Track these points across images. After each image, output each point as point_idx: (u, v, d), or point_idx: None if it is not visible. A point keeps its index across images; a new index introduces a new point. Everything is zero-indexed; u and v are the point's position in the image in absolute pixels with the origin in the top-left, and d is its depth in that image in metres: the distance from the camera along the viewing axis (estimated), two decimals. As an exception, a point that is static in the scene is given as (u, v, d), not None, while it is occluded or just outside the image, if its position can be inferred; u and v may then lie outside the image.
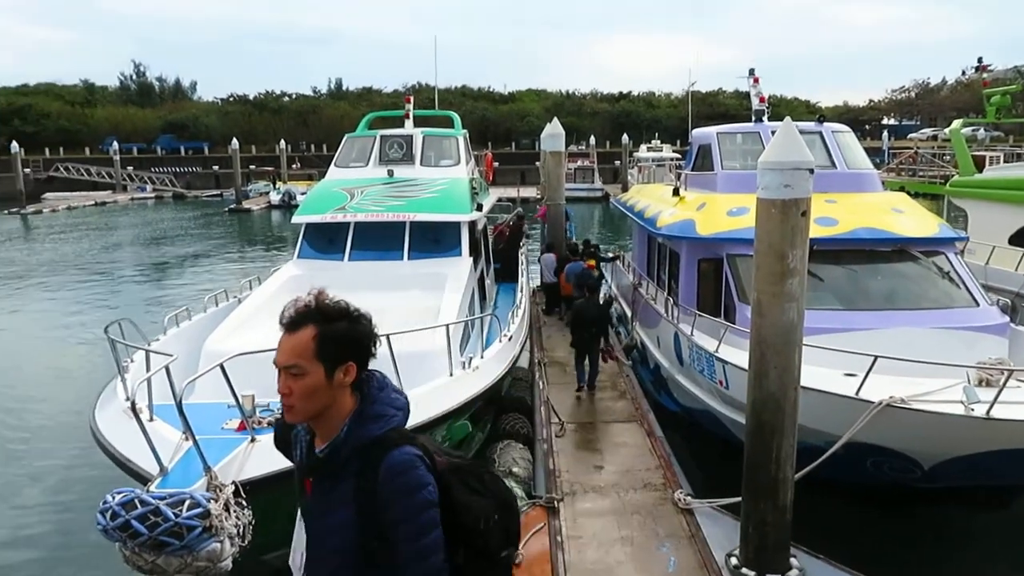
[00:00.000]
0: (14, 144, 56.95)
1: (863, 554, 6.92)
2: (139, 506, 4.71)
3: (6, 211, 50.92)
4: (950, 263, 9.86)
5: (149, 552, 4.75)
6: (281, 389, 2.39)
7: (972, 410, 6.35)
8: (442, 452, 2.59)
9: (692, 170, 13.52)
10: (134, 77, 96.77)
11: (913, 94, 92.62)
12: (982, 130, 42.42)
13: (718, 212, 10.78)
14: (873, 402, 6.64)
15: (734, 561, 6.65)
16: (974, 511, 8.04)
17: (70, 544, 8.50)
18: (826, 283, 9.36)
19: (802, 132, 6.49)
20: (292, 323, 2.40)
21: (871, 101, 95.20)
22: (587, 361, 11.62)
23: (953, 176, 20.63)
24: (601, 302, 13.81)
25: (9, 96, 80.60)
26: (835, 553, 6.82)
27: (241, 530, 4.77)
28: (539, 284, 19.01)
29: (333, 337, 2.41)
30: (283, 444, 2.78)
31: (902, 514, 7.93)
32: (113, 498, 4.83)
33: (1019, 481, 7.41)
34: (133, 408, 5.41)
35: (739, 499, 6.74)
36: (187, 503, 4.74)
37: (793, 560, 6.57)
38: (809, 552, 6.79)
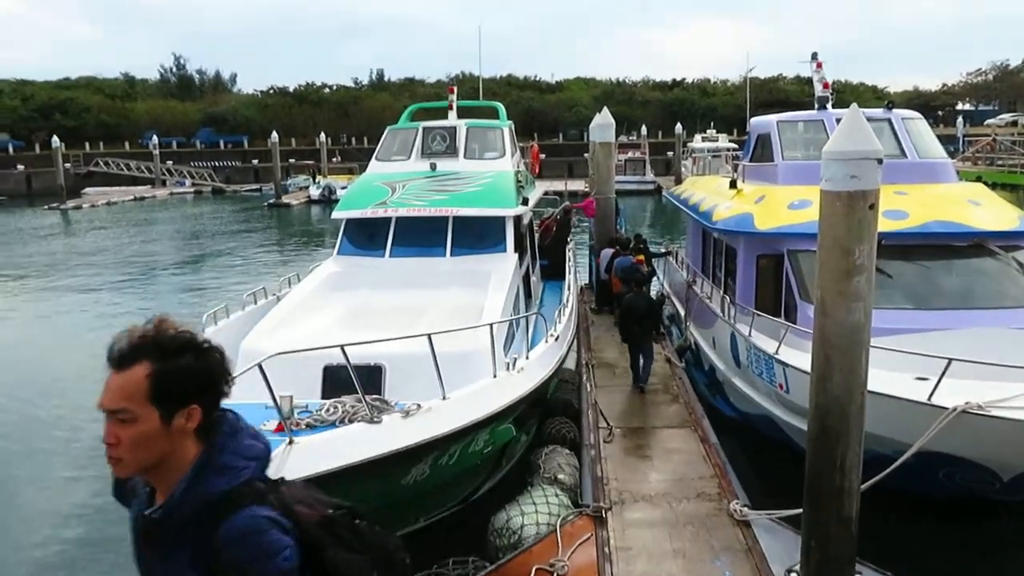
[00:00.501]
0: (55, 139, 58.86)
1: (934, 571, 6.75)
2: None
3: (46, 206, 52.60)
4: (1032, 259, 9.54)
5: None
6: (106, 438, 2.07)
7: (1057, 418, 6.14)
8: (316, 502, 2.27)
9: (750, 161, 13.35)
10: (174, 70, 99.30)
11: (991, 77, 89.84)
12: (1067, 115, 40.97)
13: (778, 205, 10.63)
14: (947, 408, 6.45)
15: (795, 577, 6.54)
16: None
17: (100, 546, 8.71)
18: (895, 280, 9.15)
19: (869, 120, 6.34)
20: (122, 359, 2.09)
21: (944, 85, 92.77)
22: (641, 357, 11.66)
23: (1035, 165, 19.95)
24: (651, 297, 13.74)
25: (50, 90, 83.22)
26: (903, 570, 6.65)
27: (279, 535, 4.81)
28: (587, 281, 18.94)
29: (172, 375, 2.08)
30: (120, 492, 2.39)
31: (977, 528, 7.71)
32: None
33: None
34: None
35: (800, 511, 6.62)
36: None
37: (858, 576, 6.43)
38: (876, 569, 6.64)
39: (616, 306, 14.09)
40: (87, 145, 73.16)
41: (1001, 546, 7.60)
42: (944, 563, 7.12)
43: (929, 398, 6.60)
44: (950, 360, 6.53)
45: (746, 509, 7.69)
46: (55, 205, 52.82)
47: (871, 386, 6.19)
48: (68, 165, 63.21)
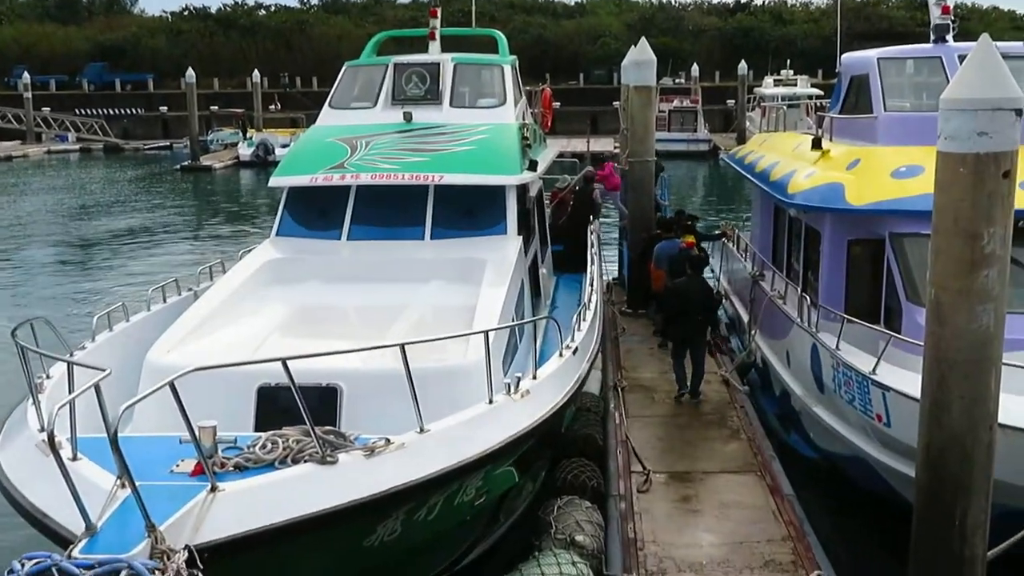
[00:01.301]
0: None
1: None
2: (58, 577, 4.84)
3: None
4: None
5: (72, 640, 4.88)
6: None
7: None
8: None
9: (841, 112, 13.37)
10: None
11: None
12: None
13: (879, 173, 10.67)
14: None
15: (897, 676, 6.59)
16: None
17: None
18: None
19: (1005, 57, 6.36)
20: None
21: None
22: (688, 359, 12.11)
23: None
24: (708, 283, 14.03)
25: None
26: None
27: (199, 608, 4.87)
28: (616, 276, 18.97)
29: None
30: None
31: None
32: (22, 566, 4.96)
33: None
34: (51, 442, 5.54)
35: (905, 586, 6.69)
36: (123, 574, 4.85)
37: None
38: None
39: (658, 304, 14.29)
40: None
41: None
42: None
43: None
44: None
45: (831, 584, 7.74)
46: None
47: (1003, 418, 6.23)
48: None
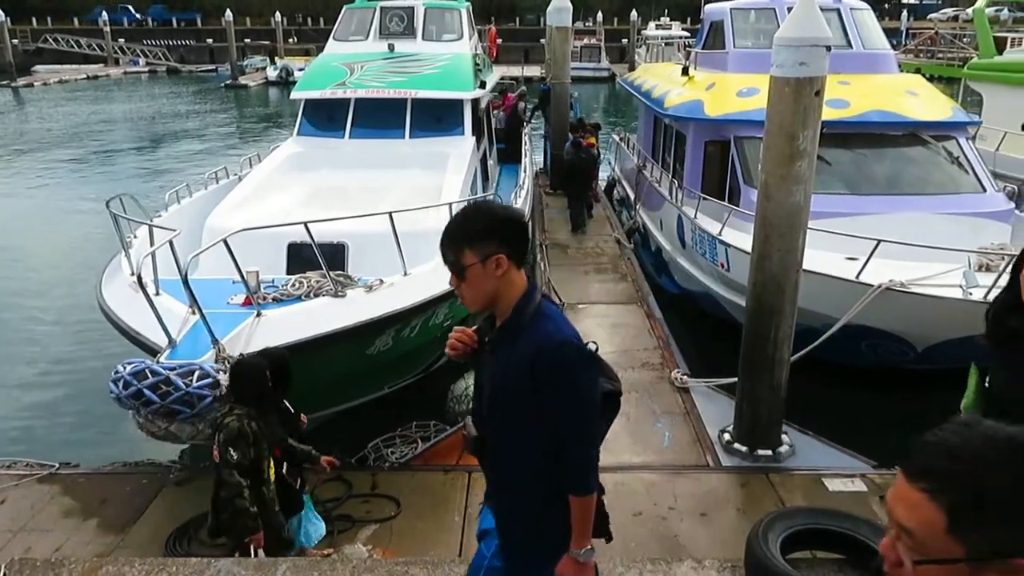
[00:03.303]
0: (0, 13, 54.99)
1: (851, 433, 7.17)
2: (150, 376, 4.86)
3: (-4, 83, 49.81)
4: (960, 148, 9.73)
5: (162, 420, 4.93)
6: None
7: (970, 294, 6.43)
8: None
9: (703, 48, 13.15)
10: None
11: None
12: (1005, 10, 40.85)
13: (728, 93, 10.56)
14: (872, 285, 6.71)
15: (727, 437, 6.89)
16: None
17: (84, 413, 8.78)
18: (833, 167, 9.28)
19: (820, 9, 6.26)
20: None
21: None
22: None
23: (972, 59, 20.03)
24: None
25: (-10, -39, 77.12)
26: (824, 431, 7.07)
27: (250, 400, 4.90)
28: (542, 166, 18.79)
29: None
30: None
31: (889, 396, 8.15)
32: (124, 368, 4.97)
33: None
34: (139, 282, 5.47)
35: (735, 379, 6.92)
36: (197, 374, 4.88)
37: (784, 436, 6.81)
38: (800, 429, 7.04)
39: (553, 169, 16.51)
40: (34, 21, 68.59)
41: (910, 410, 8.05)
42: (860, 426, 7.55)
43: (857, 276, 6.85)
44: (879, 242, 6.75)
45: (686, 377, 8.00)
46: (6, 83, 49.90)
47: (806, 265, 6.37)
48: (15, 42, 59.42)
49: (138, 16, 72.64)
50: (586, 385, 2.48)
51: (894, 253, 6.89)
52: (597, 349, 2.55)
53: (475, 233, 2.50)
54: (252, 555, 4.34)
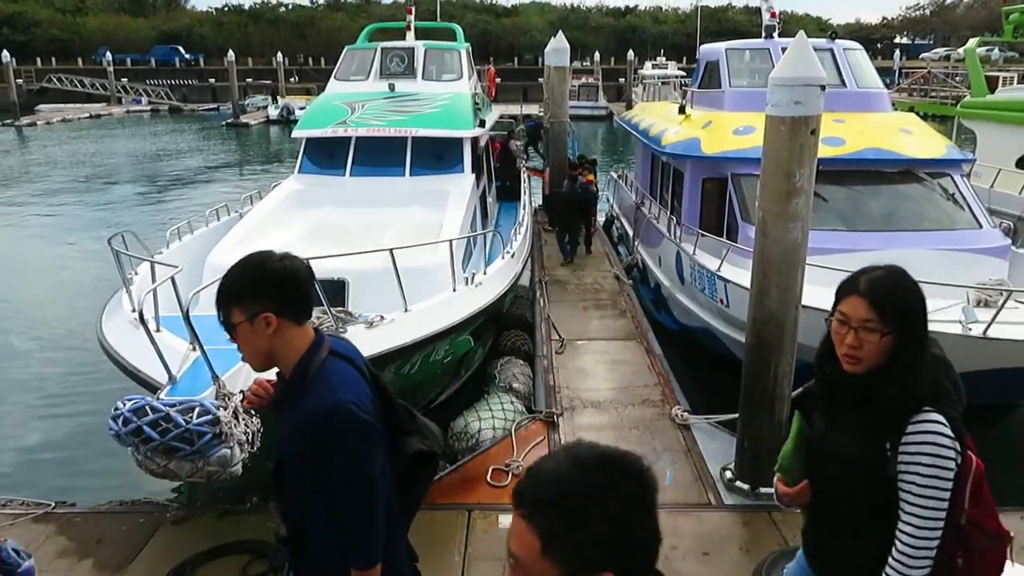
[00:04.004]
0: (5, 53, 55.64)
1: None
2: (150, 412, 4.82)
3: (0, 122, 50.20)
4: (955, 185, 9.81)
5: (161, 457, 4.88)
6: None
7: (970, 329, 6.44)
8: None
9: (699, 87, 13.31)
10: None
11: (928, 11, 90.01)
12: (996, 50, 41.50)
13: (724, 131, 10.67)
14: (872, 321, 6.71)
15: (728, 474, 6.84)
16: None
17: (83, 450, 8.72)
18: (830, 203, 9.34)
19: (814, 49, 6.36)
20: None
21: (884, 19, 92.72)
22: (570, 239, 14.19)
23: (965, 97, 20.29)
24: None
25: (-3, 3, 78.31)
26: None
27: (249, 437, 4.89)
28: (540, 203, 18.91)
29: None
30: None
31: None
32: (124, 404, 4.93)
33: (1012, 399, 7.56)
34: (141, 318, 5.47)
35: (735, 415, 6.88)
36: (197, 410, 4.84)
37: (786, 473, 6.74)
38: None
39: (546, 204, 16.83)
40: (39, 61, 69.40)
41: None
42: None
43: (856, 312, 6.84)
44: (877, 277, 6.77)
45: (686, 414, 7.95)
46: (9, 122, 50.33)
47: (805, 301, 6.38)
48: (20, 81, 60.03)
49: (141, 57, 73.61)
50: (360, 452, 2.34)
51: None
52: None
53: (241, 291, 2.40)
54: None
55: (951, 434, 2.44)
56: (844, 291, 2.59)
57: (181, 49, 70.85)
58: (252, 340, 2.42)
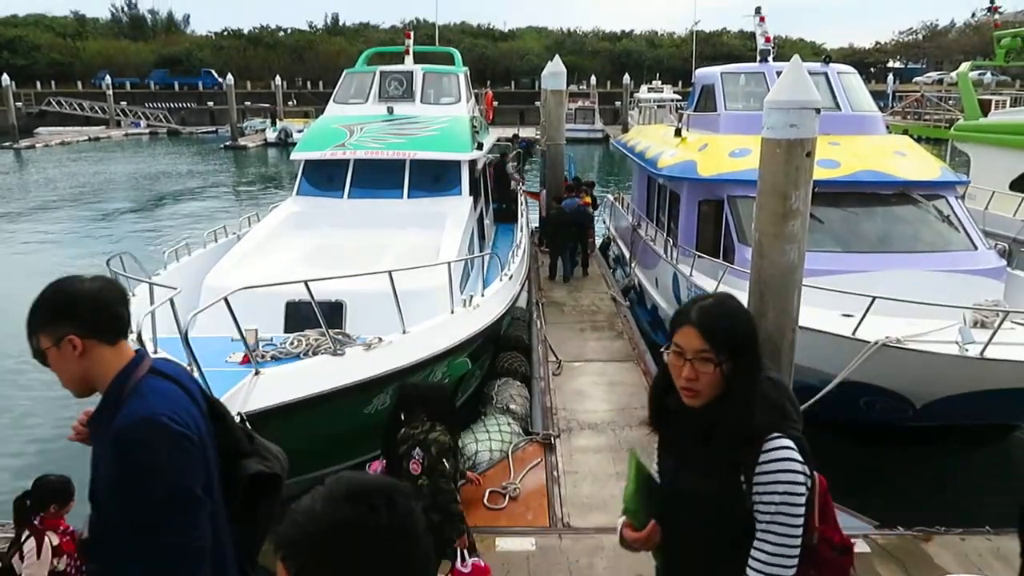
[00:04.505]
0: (5, 77, 55.94)
1: (852, 491, 7.08)
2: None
3: (-1, 145, 50.41)
4: (950, 207, 9.87)
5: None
6: None
7: (967, 350, 6.45)
8: None
9: (695, 111, 13.41)
10: (125, 9, 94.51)
11: (920, 36, 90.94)
12: (988, 74, 41.90)
13: (720, 153, 10.73)
14: (869, 342, 6.73)
15: (727, 495, 6.80)
16: (964, 449, 8.21)
17: (77, 476, 8.64)
18: (826, 225, 9.38)
19: (808, 73, 6.43)
20: None
21: (877, 43, 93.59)
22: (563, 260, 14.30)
23: (958, 120, 20.47)
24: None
25: (-2, 27, 78.85)
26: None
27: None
28: (537, 225, 18.96)
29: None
30: None
31: (891, 453, 8.09)
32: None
33: (1008, 419, 7.56)
34: (139, 339, 5.46)
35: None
36: (194, 432, 4.82)
37: (784, 495, 6.71)
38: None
39: (540, 225, 16.80)
40: (38, 84, 69.80)
41: (911, 468, 8.00)
42: (861, 484, 7.47)
43: (854, 333, 6.87)
44: (873, 298, 6.79)
45: (684, 436, 7.90)
46: (8, 144, 50.50)
47: (802, 322, 6.40)
48: (19, 104, 60.30)
49: (140, 80, 74.00)
50: (174, 465, 2.19)
51: (889, 310, 6.92)
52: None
53: (44, 316, 2.37)
54: (459, 557, 4.84)
55: (800, 458, 2.32)
56: (677, 322, 2.47)
57: (214, 73, 70.90)
58: (63, 364, 2.35)
